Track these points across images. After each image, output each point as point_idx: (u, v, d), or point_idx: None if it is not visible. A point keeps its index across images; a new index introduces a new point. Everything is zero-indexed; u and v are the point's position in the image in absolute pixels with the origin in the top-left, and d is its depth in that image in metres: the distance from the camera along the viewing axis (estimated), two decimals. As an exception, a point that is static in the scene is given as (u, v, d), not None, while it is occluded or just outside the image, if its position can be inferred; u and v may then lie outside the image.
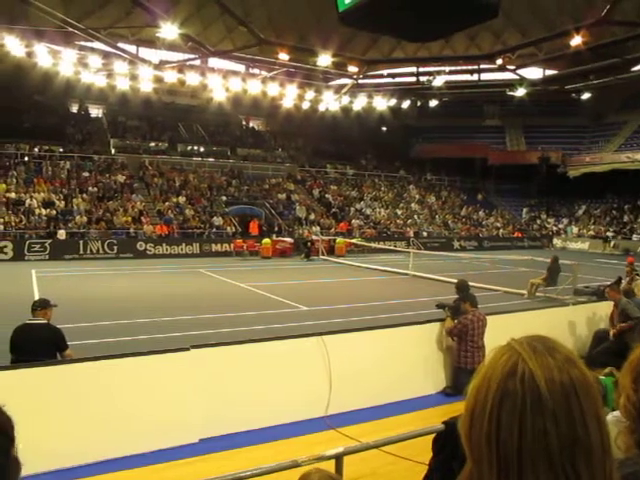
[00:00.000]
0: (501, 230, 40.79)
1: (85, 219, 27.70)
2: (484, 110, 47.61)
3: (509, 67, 32.42)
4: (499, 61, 31.21)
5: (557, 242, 39.56)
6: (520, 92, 34.86)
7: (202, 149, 40.72)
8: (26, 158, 31.93)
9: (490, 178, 47.38)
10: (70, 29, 25.06)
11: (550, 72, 35.67)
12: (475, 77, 36.63)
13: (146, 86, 32.55)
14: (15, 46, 26.01)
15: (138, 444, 5.66)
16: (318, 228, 32.47)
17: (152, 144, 38.92)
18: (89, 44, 29.01)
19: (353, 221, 35.42)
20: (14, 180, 29.17)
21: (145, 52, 31.62)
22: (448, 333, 8.04)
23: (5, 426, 0.91)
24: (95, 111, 41.06)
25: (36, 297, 10.96)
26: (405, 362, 7.65)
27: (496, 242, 37.47)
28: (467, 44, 33.55)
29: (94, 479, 5.13)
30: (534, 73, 35.38)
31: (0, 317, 11.65)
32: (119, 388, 5.87)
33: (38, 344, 6.20)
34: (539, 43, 29.31)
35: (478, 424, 0.92)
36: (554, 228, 42.31)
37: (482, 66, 34.67)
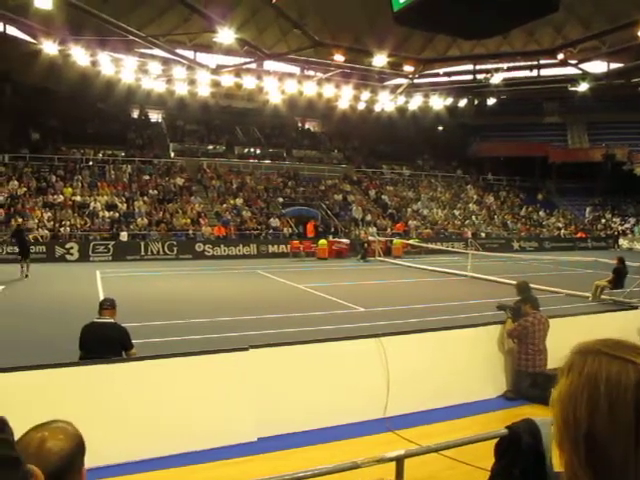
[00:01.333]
0: (563, 230, 39.56)
1: (146, 221, 28.52)
2: (544, 107, 46.28)
3: (571, 62, 31.41)
4: (560, 56, 30.26)
5: (623, 243, 38.03)
6: (583, 87, 33.72)
7: (258, 151, 41.23)
8: (90, 163, 33.16)
9: (551, 177, 46.08)
10: (131, 37, 25.86)
11: (615, 65, 34.26)
12: (534, 73, 35.70)
13: (204, 90, 33.24)
14: (80, 56, 27.07)
15: (197, 441, 5.76)
16: (374, 229, 32.33)
17: (210, 147, 39.72)
18: (149, 51, 29.85)
19: (410, 222, 35.10)
20: (79, 184, 30.35)
21: (202, 57, 32.27)
22: (509, 335, 7.85)
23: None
24: (155, 116, 42.20)
25: (101, 297, 11.35)
26: (464, 365, 7.51)
27: (558, 243, 36.35)
28: (526, 39, 32.68)
29: (154, 474, 5.26)
30: (598, 67, 34.12)
31: (68, 315, 12.16)
32: (181, 386, 5.99)
33: (105, 342, 6.41)
34: (603, 36, 28.25)
35: (608, 444, 0.86)
36: (620, 228, 40.69)
37: (542, 62, 33.74)
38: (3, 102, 32.84)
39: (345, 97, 35.22)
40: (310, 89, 33.40)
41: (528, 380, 7.36)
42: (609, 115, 43.09)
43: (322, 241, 27.95)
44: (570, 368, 0.94)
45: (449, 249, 29.39)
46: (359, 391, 6.69)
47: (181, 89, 33.10)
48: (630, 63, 32.15)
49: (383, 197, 38.15)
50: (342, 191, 37.29)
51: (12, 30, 27.48)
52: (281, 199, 34.20)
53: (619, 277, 15.35)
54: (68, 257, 24.58)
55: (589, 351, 0.94)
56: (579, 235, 38.82)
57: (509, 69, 34.14)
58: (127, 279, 19.40)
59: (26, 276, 18.88)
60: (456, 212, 38.89)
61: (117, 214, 28.62)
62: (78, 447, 1.53)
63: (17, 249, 20.40)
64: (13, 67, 31.23)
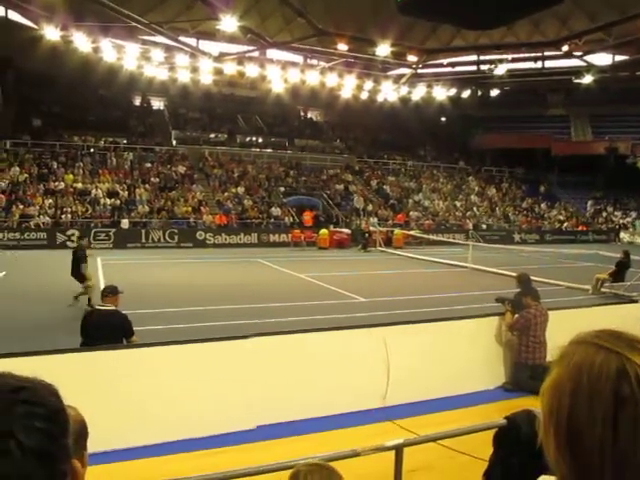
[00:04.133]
0: (565, 223, 39.53)
1: (147, 209, 28.53)
2: (548, 99, 46.06)
3: (576, 53, 31.26)
4: (565, 47, 30.14)
5: (624, 236, 37.97)
6: (587, 79, 33.59)
7: (260, 140, 41.14)
8: (92, 150, 33.09)
9: (553, 169, 45.92)
10: (134, 24, 25.73)
11: (620, 58, 34.11)
12: (539, 65, 35.54)
13: (206, 78, 33.13)
14: (82, 42, 26.96)
15: (196, 429, 5.79)
16: (376, 219, 32.32)
17: (212, 135, 39.61)
18: (151, 38, 29.73)
19: (411, 213, 35.07)
20: (80, 171, 30.31)
21: (205, 45, 32.14)
22: (509, 327, 7.86)
23: (53, 389, 0.92)
24: (157, 104, 42.05)
25: (102, 284, 11.37)
26: (463, 356, 7.53)
27: (559, 235, 36.30)
28: (531, 30, 32.49)
29: (153, 460, 5.29)
30: (603, 59, 33.95)
31: (69, 302, 12.19)
32: (181, 373, 6.02)
33: (106, 329, 6.44)
34: (609, 27, 28.09)
35: (585, 433, 0.86)
36: (621, 222, 40.64)
37: (546, 53, 33.58)
38: (5, 88, 32.75)
39: (348, 87, 35.09)
40: (313, 78, 33.28)
41: (527, 372, 7.38)
42: (613, 108, 42.85)
43: (323, 231, 27.95)
44: (561, 358, 0.95)
45: (450, 240, 29.39)
46: (359, 380, 6.72)
47: (184, 77, 32.99)
48: (635, 55, 32.00)
49: (385, 187, 38.10)
50: (344, 181, 37.24)
51: (14, 15, 27.36)
52: (282, 188, 34.15)
53: (621, 270, 15.36)
54: (69, 244, 24.58)
55: (580, 341, 0.94)
56: (580, 228, 38.79)
57: (513, 60, 33.97)
58: (128, 267, 19.41)
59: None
60: (457, 203, 38.83)
61: (118, 201, 28.61)
62: (81, 429, 1.55)
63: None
64: (15, 53, 31.06)
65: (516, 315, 7.84)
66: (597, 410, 0.85)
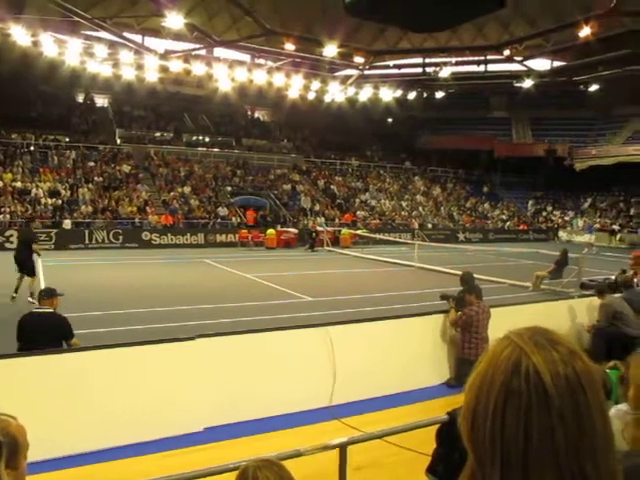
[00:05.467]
0: (507, 222, 40.70)
1: (90, 209, 27.78)
2: (490, 102, 47.33)
3: (516, 58, 32.19)
4: (506, 52, 30.98)
5: (562, 235, 39.43)
6: (527, 84, 34.65)
7: (207, 139, 40.69)
8: (32, 148, 31.94)
9: (496, 170, 47.26)
10: (76, 18, 24.99)
11: (558, 63, 35.38)
12: (482, 68, 36.40)
13: (152, 76, 32.46)
14: (21, 35, 25.95)
15: (143, 432, 5.71)
16: (323, 219, 32.45)
17: (157, 134, 38.93)
18: (95, 33, 28.93)
19: (358, 212, 35.38)
20: (20, 170, 29.21)
21: (151, 42, 31.53)
22: (453, 324, 8.04)
23: None
24: (101, 101, 41.01)
25: (42, 286, 11.02)
26: (409, 353, 7.67)
27: (501, 234, 37.39)
28: (474, 34, 33.35)
29: (99, 466, 5.18)
30: (542, 64, 35.10)
31: (7, 305, 11.76)
32: (125, 376, 5.90)
33: (44, 332, 6.24)
34: (547, 34, 29.09)
35: (481, 423, 0.90)
36: (560, 221, 42.17)
37: (489, 57, 34.43)
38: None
39: (295, 86, 35.07)
40: (260, 77, 33.10)
41: (470, 368, 7.52)
42: (552, 111, 44.44)
43: (270, 231, 27.88)
44: (485, 353, 0.99)
45: (396, 240, 29.81)
46: (306, 380, 6.75)
47: (128, 74, 32.22)
48: (572, 62, 33.26)
49: (332, 187, 38.31)
50: (291, 181, 37.24)
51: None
52: (230, 188, 33.88)
53: (559, 268, 15.92)
54: (8, 245, 23.67)
55: (504, 337, 0.97)
56: (522, 227, 40.04)
57: (457, 63, 34.73)
58: (70, 268, 18.86)
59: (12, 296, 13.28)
60: (403, 203, 39.42)
61: (60, 201, 27.74)
62: (13, 444, 1.48)
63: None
64: (-52, 45, 29.74)
65: (459, 312, 8.03)
66: (490, 402, 0.90)
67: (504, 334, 0.99)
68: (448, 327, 8.15)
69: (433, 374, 7.86)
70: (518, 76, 34.83)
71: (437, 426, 3.76)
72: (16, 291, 12.64)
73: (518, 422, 0.86)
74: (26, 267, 12.84)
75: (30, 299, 11.95)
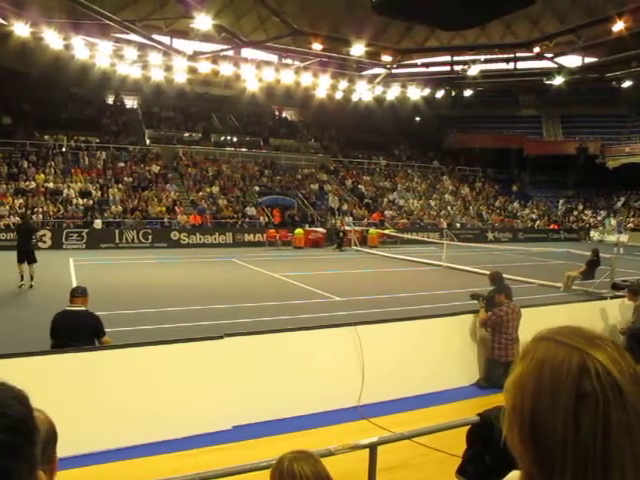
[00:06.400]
0: (537, 222, 40.13)
1: (120, 209, 28.19)
2: (520, 99, 46.68)
3: (547, 55, 31.68)
4: (536, 49, 30.50)
5: (594, 235, 38.68)
6: (558, 81, 34.08)
7: (235, 139, 40.95)
8: (64, 149, 32.57)
9: (525, 169, 46.62)
10: (107, 21, 25.37)
11: (590, 60, 34.68)
12: (511, 66, 35.94)
13: (180, 77, 32.83)
14: (53, 39, 26.48)
15: (172, 430, 5.75)
16: (351, 218, 32.40)
17: (186, 134, 39.32)
18: (125, 36, 29.32)
19: (386, 212, 35.24)
20: (52, 170, 29.81)
21: (179, 43, 31.80)
22: (482, 324, 7.95)
23: (23, 398, 0.85)
24: (130, 102, 41.58)
25: (74, 285, 11.21)
26: (438, 353, 7.60)
27: (531, 234, 36.87)
28: (503, 32, 32.89)
29: (129, 462, 5.24)
30: (573, 61, 34.47)
31: (40, 303, 12.00)
32: (155, 374, 5.97)
33: (77, 330, 6.34)
34: (579, 30, 28.52)
35: (549, 429, 0.87)
36: (591, 220, 41.40)
37: (518, 54, 33.98)
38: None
39: (323, 86, 35.08)
40: (288, 77, 33.21)
41: (501, 369, 7.47)
42: (583, 109, 43.65)
43: (298, 230, 27.93)
44: (524, 355, 0.96)
45: (424, 239, 29.62)
46: (334, 379, 6.73)
47: (157, 75, 32.63)
48: (604, 58, 32.59)
49: (359, 187, 38.22)
50: (319, 180, 37.26)
51: (-18, 11, 26.74)
52: (257, 188, 34.05)
53: (591, 268, 15.63)
54: (41, 244, 24.15)
55: (542, 338, 0.95)
56: (552, 227, 39.42)
57: (486, 61, 34.34)
58: (101, 267, 19.16)
59: (31, 285, 14.59)
60: (432, 202, 39.14)
61: (91, 201, 28.22)
62: (50, 435, 1.50)
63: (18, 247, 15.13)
64: (-17, 50, 30.48)
65: (489, 312, 7.94)
66: (559, 406, 0.87)
67: (537, 335, 0.97)
68: (477, 327, 8.06)
69: (462, 375, 7.77)
70: (548, 73, 34.27)
71: (467, 427, 3.73)
72: (32, 279, 14.39)
73: (595, 424, 0.84)
74: (32, 256, 14.52)
75: (29, 283, 14.28)
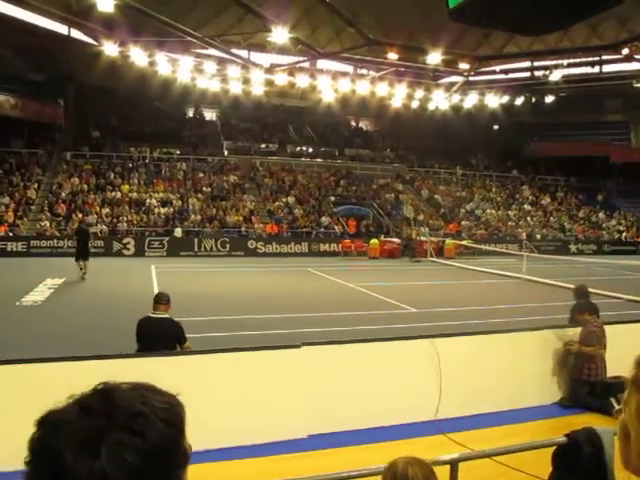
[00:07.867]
0: (624, 233, 38.12)
1: (199, 218, 29.06)
2: (605, 104, 44.62)
3: (636, 57, 30.21)
4: (625, 51, 29.12)
5: (688, 247, 36.38)
6: (648, 84, 32.48)
7: (311, 150, 41.39)
8: (147, 160, 33.99)
9: (612, 177, 44.45)
10: (188, 38, 26.35)
11: (683, 61, 32.85)
12: (596, 69, 34.52)
13: (257, 89, 33.58)
14: (139, 56, 27.79)
15: (248, 436, 5.82)
16: (427, 229, 31.99)
17: (263, 145, 40.10)
18: (205, 51, 30.36)
19: (463, 222, 34.57)
20: (136, 181, 31.18)
21: (256, 56, 32.58)
22: (581, 342, 7.49)
23: (175, 420, 0.83)
24: (209, 115, 42.86)
25: (156, 291, 11.62)
26: (519, 369, 7.32)
27: (618, 246, 35.07)
28: (587, 34, 31.58)
29: (204, 466, 5.33)
30: (665, 62, 32.74)
31: (124, 308, 12.50)
32: (233, 381, 6.07)
33: (161, 336, 6.57)
34: (671, 29, 27.09)
35: None
36: (685, 231, 38.94)
37: (604, 57, 32.61)
38: (67, 102, 34.03)
39: (398, 95, 34.93)
40: (363, 88, 33.28)
41: (586, 388, 7.12)
42: (675, 113, 41.30)
43: (374, 240, 27.86)
44: (638, 383, 0.90)
45: (503, 251, 28.78)
46: (411, 392, 6.63)
47: (235, 88, 33.52)
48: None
49: (436, 197, 37.70)
50: (394, 190, 37.04)
51: (76, 33, 28.41)
52: (333, 198, 34.25)
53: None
54: (125, 252, 25.27)
55: None
56: (641, 238, 37.36)
57: (569, 65, 33.15)
58: (181, 274, 19.80)
59: (83, 277, 17.73)
60: (510, 213, 38.05)
61: (171, 210, 29.26)
62: None
63: (77, 248, 18.57)
64: (76, 69, 32.34)
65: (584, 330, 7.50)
66: None
67: None
68: (559, 343, 7.70)
69: (544, 392, 7.45)
70: (638, 76, 32.68)
71: (550, 448, 3.56)
72: (85, 272, 17.69)
73: None
74: (87, 255, 18.09)
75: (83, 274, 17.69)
